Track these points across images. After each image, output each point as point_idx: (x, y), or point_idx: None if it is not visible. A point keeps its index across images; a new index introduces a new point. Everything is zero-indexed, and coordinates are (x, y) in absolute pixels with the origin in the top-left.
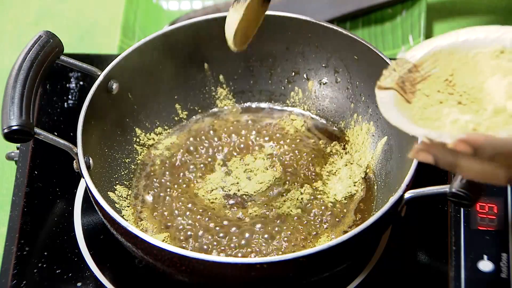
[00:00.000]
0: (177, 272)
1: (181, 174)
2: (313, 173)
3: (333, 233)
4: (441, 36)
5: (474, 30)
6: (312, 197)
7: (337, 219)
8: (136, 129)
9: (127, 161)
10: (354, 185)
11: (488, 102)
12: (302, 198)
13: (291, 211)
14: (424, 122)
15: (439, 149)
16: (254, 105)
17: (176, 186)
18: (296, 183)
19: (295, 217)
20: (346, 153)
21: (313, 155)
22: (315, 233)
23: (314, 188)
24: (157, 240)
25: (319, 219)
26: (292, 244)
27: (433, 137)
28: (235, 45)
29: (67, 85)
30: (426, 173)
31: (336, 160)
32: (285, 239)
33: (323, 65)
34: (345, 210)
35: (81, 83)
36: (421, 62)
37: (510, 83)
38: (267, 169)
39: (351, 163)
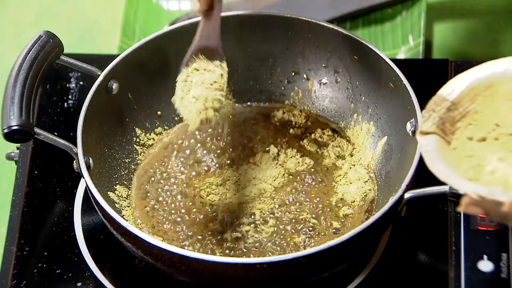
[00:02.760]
0: (177, 272)
1: (179, 175)
2: (321, 177)
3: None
4: (477, 68)
5: None
6: (326, 200)
7: (350, 222)
8: (136, 129)
9: (127, 161)
10: (366, 185)
11: None
12: (314, 202)
13: (303, 215)
14: (467, 170)
15: (490, 204)
16: (254, 105)
17: (173, 187)
18: (306, 187)
19: (308, 221)
20: (348, 155)
21: (316, 158)
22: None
23: (326, 192)
24: (157, 240)
25: (330, 224)
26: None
27: (483, 194)
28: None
29: (67, 85)
30: (426, 173)
31: (341, 163)
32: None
33: (323, 65)
34: (359, 211)
35: (81, 83)
36: (459, 98)
37: None
38: (273, 170)
39: (354, 165)
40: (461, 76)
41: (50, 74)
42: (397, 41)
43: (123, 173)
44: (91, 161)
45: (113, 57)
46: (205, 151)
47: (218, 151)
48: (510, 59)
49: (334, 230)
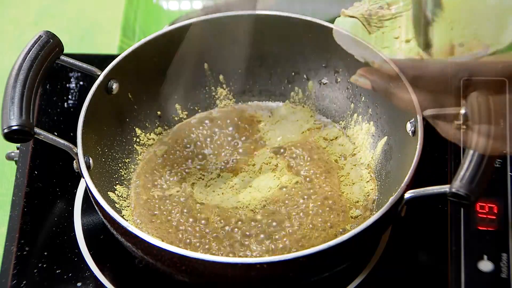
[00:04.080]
0: (177, 272)
1: (179, 175)
2: (325, 178)
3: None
4: None
5: None
6: (331, 202)
7: (356, 222)
8: (136, 129)
9: (127, 161)
10: (368, 185)
11: None
12: (319, 204)
13: (310, 216)
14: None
15: (376, 74)
16: (254, 105)
17: (173, 187)
18: (310, 188)
19: (316, 220)
20: (350, 155)
21: (318, 159)
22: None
23: (332, 193)
24: (157, 240)
25: (339, 230)
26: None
27: (366, 57)
28: None
29: (67, 85)
30: (426, 173)
31: (343, 163)
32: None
33: (323, 65)
34: (364, 211)
35: (81, 83)
36: (394, 1)
37: None
38: (275, 171)
39: (355, 165)
40: None
41: (50, 74)
42: None
43: (123, 173)
44: (91, 161)
45: (113, 57)
46: (204, 152)
47: (219, 151)
48: None
49: (341, 230)
